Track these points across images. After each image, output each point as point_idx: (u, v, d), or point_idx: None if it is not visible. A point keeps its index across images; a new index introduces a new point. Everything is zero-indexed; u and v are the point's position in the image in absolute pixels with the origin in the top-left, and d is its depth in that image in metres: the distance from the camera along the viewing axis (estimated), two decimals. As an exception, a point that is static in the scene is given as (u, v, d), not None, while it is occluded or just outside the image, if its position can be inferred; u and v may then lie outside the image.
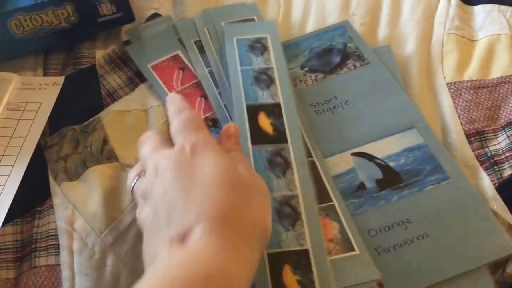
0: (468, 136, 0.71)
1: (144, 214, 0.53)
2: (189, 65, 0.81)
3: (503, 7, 0.85)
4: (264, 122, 0.70)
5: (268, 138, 0.68)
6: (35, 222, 0.67)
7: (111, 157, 0.71)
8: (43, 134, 0.75)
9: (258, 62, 0.77)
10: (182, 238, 0.47)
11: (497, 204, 0.64)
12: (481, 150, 0.69)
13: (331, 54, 0.82)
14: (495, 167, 0.67)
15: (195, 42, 0.84)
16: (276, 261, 0.58)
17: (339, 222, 0.63)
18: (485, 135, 0.70)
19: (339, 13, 0.88)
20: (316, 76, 0.79)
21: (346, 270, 0.58)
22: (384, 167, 0.68)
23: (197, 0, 0.92)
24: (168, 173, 0.52)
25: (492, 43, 0.80)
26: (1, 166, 0.71)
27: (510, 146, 0.68)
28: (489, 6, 0.86)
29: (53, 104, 0.78)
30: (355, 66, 0.79)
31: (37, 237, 0.65)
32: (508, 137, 0.69)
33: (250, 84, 0.74)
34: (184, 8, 0.91)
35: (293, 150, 0.67)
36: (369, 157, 0.69)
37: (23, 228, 0.67)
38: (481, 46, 0.80)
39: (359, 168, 0.68)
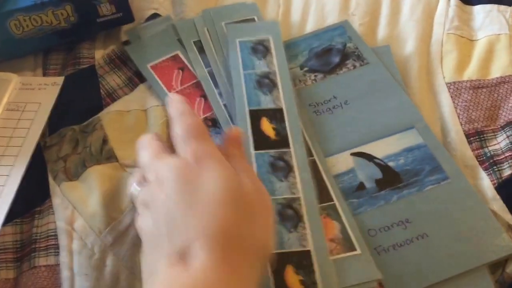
0: (467, 136, 0.71)
1: (144, 223, 0.53)
2: (189, 65, 0.81)
3: (502, 7, 0.85)
4: (267, 127, 0.70)
5: (270, 143, 0.68)
6: (34, 222, 0.67)
7: (111, 157, 0.71)
8: (42, 134, 0.75)
9: (260, 66, 0.77)
10: (182, 255, 0.47)
11: (497, 204, 0.64)
12: (481, 150, 0.69)
13: (331, 54, 0.82)
14: (495, 167, 0.67)
15: (194, 42, 0.84)
16: (279, 261, 0.58)
17: (340, 221, 0.63)
18: (485, 135, 0.70)
19: (338, 13, 0.88)
20: (315, 76, 0.79)
21: (348, 269, 0.59)
22: (383, 167, 0.68)
23: (197, 0, 0.92)
24: (170, 184, 0.51)
25: (492, 43, 0.80)
26: (0, 166, 0.71)
27: (509, 146, 0.68)
28: (488, 6, 0.86)
29: (52, 104, 0.78)
30: (354, 66, 0.79)
31: (36, 237, 0.65)
32: (507, 137, 0.69)
33: (253, 89, 0.74)
34: (183, 8, 0.91)
35: (295, 155, 0.67)
36: (369, 157, 0.69)
37: (22, 228, 0.67)
38: (481, 46, 0.81)
39: (359, 168, 0.68)
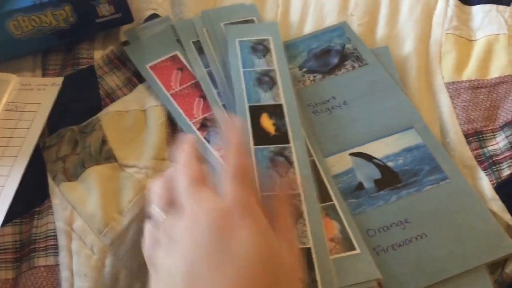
0: (466, 136, 0.71)
1: (162, 258, 0.50)
2: (188, 66, 0.81)
3: (501, 7, 0.85)
4: (267, 123, 0.70)
5: (270, 139, 0.68)
6: (34, 222, 0.67)
7: (110, 157, 0.71)
8: (42, 135, 0.75)
9: (260, 64, 0.77)
10: None
11: (496, 204, 0.64)
12: (480, 150, 0.69)
13: (330, 55, 0.82)
14: (494, 167, 0.67)
15: (193, 42, 0.84)
16: None
17: (340, 221, 0.63)
18: (484, 135, 0.70)
19: (337, 14, 0.88)
20: (314, 76, 0.79)
21: (347, 269, 0.58)
22: (382, 167, 0.68)
23: (196, 1, 0.92)
24: (203, 230, 0.48)
25: (491, 43, 0.80)
26: (0, 167, 0.71)
27: (508, 146, 0.68)
28: (487, 6, 0.86)
29: (51, 105, 0.78)
30: (353, 67, 0.79)
31: (36, 237, 0.65)
32: (506, 137, 0.69)
33: (253, 86, 0.74)
34: (182, 9, 0.91)
35: (295, 151, 0.67)
36: (368, 157, 0.69)
37: (22, 228, 0.67)
38: (480, 46, 0.81)
39: (358, 168, 0.68)
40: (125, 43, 0.87)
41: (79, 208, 0.66)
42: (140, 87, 0.81)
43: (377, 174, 0.67)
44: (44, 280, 0.62)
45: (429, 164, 0.67)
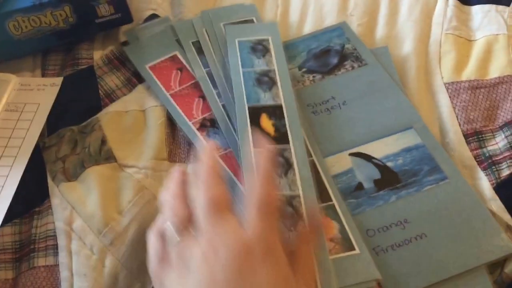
0: (466, 136, 0.71)
1: (172, 282, 0.49)
2: (187, 66, 0.81)
3: (500, 7, 0.85)
4: (266, 123, 0.70)
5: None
6: (33, 222, 0.67)
7: (109, 157, 0.71)
8: (41, 135, 0.75)
9: (260, 64, 0.77)
10: None
11: (495, 204, 0.64)
12: (479, 150, 0.69)
13: (329, 55, 0.82)
14: (493, 167, 0.67)
15: (193, 43, 0.84)
16: None
17: (339, 221, 0.63)
18: (483, 135, 0.70)
19: (337, 14, 0.89)
20: (314, 77, 0.79)
21: (347, 269, 0.58)
22: (382, 167, 0.68)
23: (195, 1, 0.92)
24: (222, 264, 0.47)
25: (490, 43, 0.80)
26: (-1, 167, 0.71)
27: (508, 146, 0.68)
28: (487, 6, 0.86)
29: (51, 105, 0.78)
30: (352, 67, 0.79)
31: (35, 237, 0.65)
32: (506, 137, 0.69)
33: (252, 86, 0.74)
34: (182, 9, 0.91)
35: (294, 151, 0.67)
36: (367, 157, 0.69)
37: (21, 228, 0.67)
38: (479, 46, 0.81)
39: (357, 168, 0.68)
40: (125, 43, 0.87)
41: (78, 208, 0.66)
42: (140, 87, 0.81)
43: (376, 174, 0.67)
44: (43, 280, 0.62)
45: (428, 164, 0.67)
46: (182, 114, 0.75)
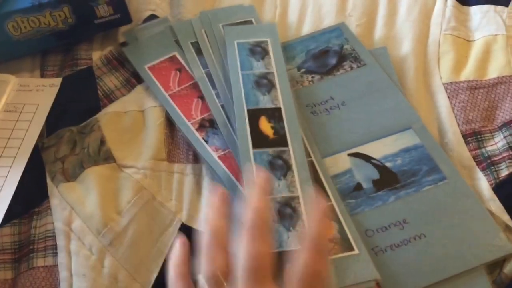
0: (465, 136, 0.71)
1: None
2: (186, 66, 0.81)
3: (499, 7, 0.85)
4: (265, 126, 0.70)
5: (269, 142, 0.68)
6: (32, 223, 0.67)
7: (108, 158, 0.71)
8: (40, 136, 0.75)
9: (258, 67, 0.77)
10: None
11: (494, 204, 0.64)
12: (478, 151, 0.69)
13: (328, 56, 0.82)
14: (492, 167, 0.67)
15: (192, 43, 0.84)
16: (277, 261, 0.58)
17: (338, 222, 0.63)
18: (482, 136, 0.70)
19: (335, 15, 0.89)
20: (312, 77, 0.79)
21: (346, 269, 0.58)
22: (380, 167, 0.68)
23: (194, 2, 0.92)
24: None
25: (489, 43, 0.80)
26: (-2, 168, 0.72)
27: (506, 146, 0.68)
28: (485, 7, 0.86)
29: (50, 106, 0.78)
30: (351, 68, 0.79)
31: (35, 238, 0.65)
32: (504, 137, 0.69)
33: (251, 89, 0.74)
34: (181, 10, 0.91)
35: (293, 153, 0.67)
36: (366, 158, 0.69)
37: (21, 229, 0.67)
38: (478, 47, 0.81)
39: (356, 169, 0.68)
40: (124, 44, 0.87)
41: (78, 209, 0.66)
42: (139, 88, 0.81)
43: (375, 175, 0.67)
44: (43, 281, 0.62)
45: (427, 165, 0.67)
46: (181, 114, 0.75)
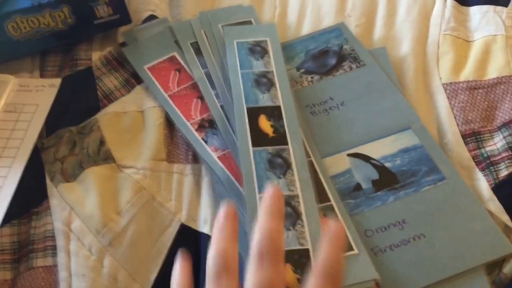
0: (464, 137, 0.71)
1: None
2: (185, 67, 0.81)
3: (498, 8, 0.85)
4: (265, 124, 0.70)
5: (268, 140, 0.68)
6: (32, 223, 0.67)
7: (108, 158, 0.71)
8: (40, 136, 0.75)
9: (258, 66, 0.77)
10: None
11: (494, 204, 0.64)
12: (477, 151, 0.69)
13: (327, 56, 0.82)
14: (491, 167, 0.67)
15: (191, 44, 0.84)
16: None
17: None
18: (481, 136, 0.70)
19: (334, 15, 0.89)
20: (312, 77, 0.79)
21: (345, 269, 0.58)
22: (380, 167, 0.68)
23: (193, 2, 0.92)
24: None
25: (488, 44, 0.80)
26: (-2, 168, 0.72)
27: (506, 146, 0.68)
28: (485, 7, 0.86)
29: (50, 106, 0.78)
30: (351, 68, 0.79)
31: (34, 238, 0.65)
32: (504, 137, 0.69)
33: (251, 87, 0.74)
34: (180, 10, 0.91)
35: (293, 152, 0.67)
36: (365, 158, 0.69)
37: (20, 229, 0.67)
38: (477, 47, 0.81)
39: (355, 169, 0.68)
40: (123, 44, 0.87)
41: (77, 209, 0.66)
42: (138, 88, 0.81)
43: (374, 175, 0.67)
44: (42, 281, 0.62)
45: (426, 165, 0.67)
46: (181, 114, 0.75)
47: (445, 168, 0.66)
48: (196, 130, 0.73)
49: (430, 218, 0.63)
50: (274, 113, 0.71)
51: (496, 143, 0.69)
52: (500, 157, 0.68)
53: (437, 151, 0.68)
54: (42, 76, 0.84)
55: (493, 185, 0.66)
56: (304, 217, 0.62)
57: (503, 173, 0.66)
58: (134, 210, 0.66)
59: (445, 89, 0.76)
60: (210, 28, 0.85)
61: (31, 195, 0.69)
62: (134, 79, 0.82)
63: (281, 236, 0.47)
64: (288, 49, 0.84)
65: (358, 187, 0.67)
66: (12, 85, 0.81)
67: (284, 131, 0.69)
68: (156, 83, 0.79)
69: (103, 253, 0.63)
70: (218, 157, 0.70)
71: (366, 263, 0.59)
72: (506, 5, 0.85)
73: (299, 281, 0.57)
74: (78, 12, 0.82)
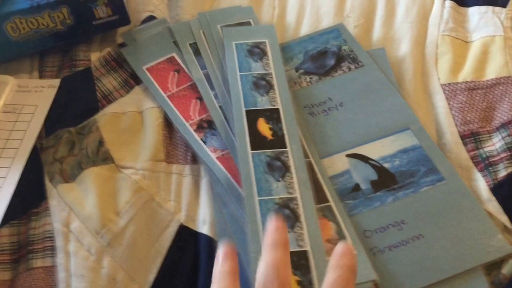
0: (462, 137, 0.71)
1: None
2: (184, 67, 0.81)
3: (497, 8, 0.85)
4: (263, 127, 0.70)
5: (267, 143, 0.69)
6: (31, 224, 0.67)
7: (107, 158, 0.71)
8: (39, 137, 0.75)
9: (257, 68, 0.77)
10: None
11: (492, 205, 0.64)
12: (476, 152, 0.69)
13: (326, 57, 0.82)
14: (490, 168, 0.67)
15: (190, 44, 0.84)
16: None
17: (336, 222, 0.63)
18: (480, 137, 0.70)
19: (333, 15, 0.89)
20: (310, 78, 0.79)
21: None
22: (379, 168, 0.68)
23: (192, 3, 0.92)
24: None
25: (487, 44, 0.80)
26: (-3, 168, 0.72)
27: (504, 147, 0.68)
28: (483, 8, 0.86)
29: (49, 107, 0.78)
30: (349, 69, 0.79)
31: (33, 238, 0.65)
32: (502, 138, 0.69)
33: (249, 90, 0.74)
34: (179, 11, 0.91)
35: (291, 155, 0.67)
36: (364, 159, 0.69)
37: (19, 230, 0.67)
38: (476, 48, 0.81)
39: (354, 170, 0.68)
40: (122, 45, 0.87)
41: (76, 210, 0.66)
42: (137, 89, 0.81)
43: (373, 175, 0.67)
44: (41, 281, 0.62)
45: (425, 165, 0.67)
46: (180, 115, 0.75)
47: (443, 169, 0.66)
48: (195, 130, 0.73)
49: (428, 219, 0.63)
50: (272, 116, 0.71)
51: (494, 144, 0.69)
52: (498, 157, 0.68)
53: (435, 151, 0.68)
54: (41, 76, 0.84)
55: (491, 185, 0.66)
56: (303, 219, 0.62)
57: (502, 173, 0.66)
58: (133, 211, 0.66)
59: (444, 90, 0.76)
60: (209, 29, 0.85)
61: (30, 196, 0.69)
62: (133, 80, 0.82)
63: (287, 268, 0.46)
64: (286, 49, 0.84)
65: (357, 187, 0.67)
66: (11, 86, 0.81)
67: (283, 134, 0.69)
68: (155, 83, 0.79)
69: (102, 253, 0.63)
70: (217, 158, 0.70)
71: (365, 263, 0.59)
72: (504, 5, 0.85)
73: (298, 282, 0.57)
74: (77, 13, 0.82)
